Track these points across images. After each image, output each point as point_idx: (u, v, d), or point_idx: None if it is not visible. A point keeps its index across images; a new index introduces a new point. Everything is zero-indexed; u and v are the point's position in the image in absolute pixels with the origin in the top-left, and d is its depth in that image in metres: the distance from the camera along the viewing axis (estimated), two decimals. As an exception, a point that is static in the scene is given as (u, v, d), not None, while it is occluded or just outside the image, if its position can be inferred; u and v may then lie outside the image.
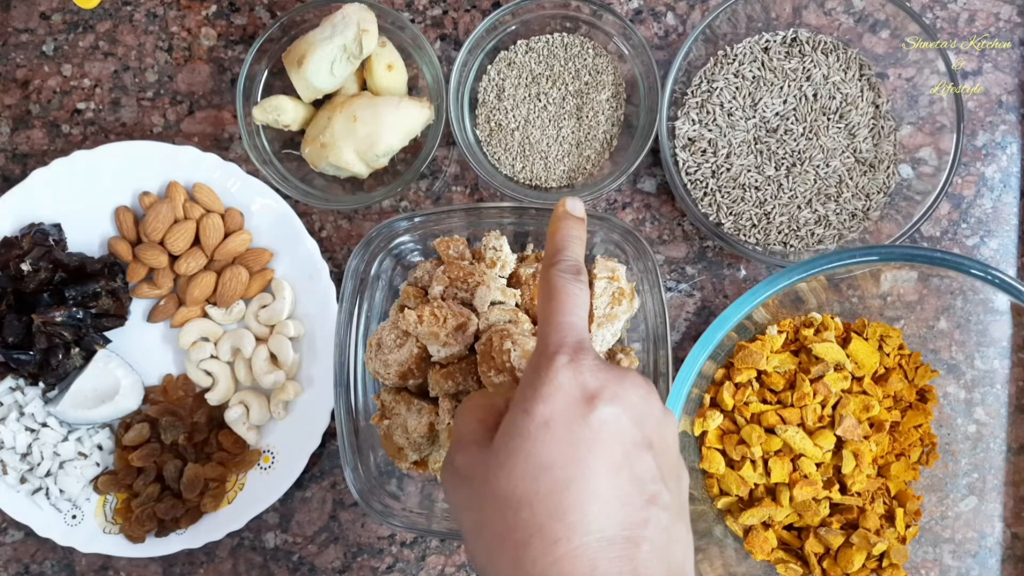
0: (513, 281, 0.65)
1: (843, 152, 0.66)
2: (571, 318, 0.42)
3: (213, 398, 0.67)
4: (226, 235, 0.67)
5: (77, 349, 0.66)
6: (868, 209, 0.66)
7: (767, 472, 0.62)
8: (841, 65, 0.66)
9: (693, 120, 0.66)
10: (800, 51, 0.66)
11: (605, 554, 0.35)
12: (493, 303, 0.63)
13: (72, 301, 0.65)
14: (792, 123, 0.66)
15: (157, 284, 0.68)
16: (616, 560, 0.35)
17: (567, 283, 0.43)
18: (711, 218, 0.67)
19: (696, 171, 0.66)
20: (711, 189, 0.66)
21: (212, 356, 0.67)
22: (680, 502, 0.40)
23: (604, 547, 0.35)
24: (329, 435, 0.68)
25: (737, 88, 0.66)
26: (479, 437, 0.40)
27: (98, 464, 0.67)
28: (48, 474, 0.67)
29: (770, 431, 0.62)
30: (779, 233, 0.66)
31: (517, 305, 0.64)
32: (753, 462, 0.62)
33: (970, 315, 0.64)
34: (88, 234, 0.68)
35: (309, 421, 0.67)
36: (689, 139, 0.66)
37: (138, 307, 0.68)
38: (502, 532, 0.37)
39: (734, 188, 0.66)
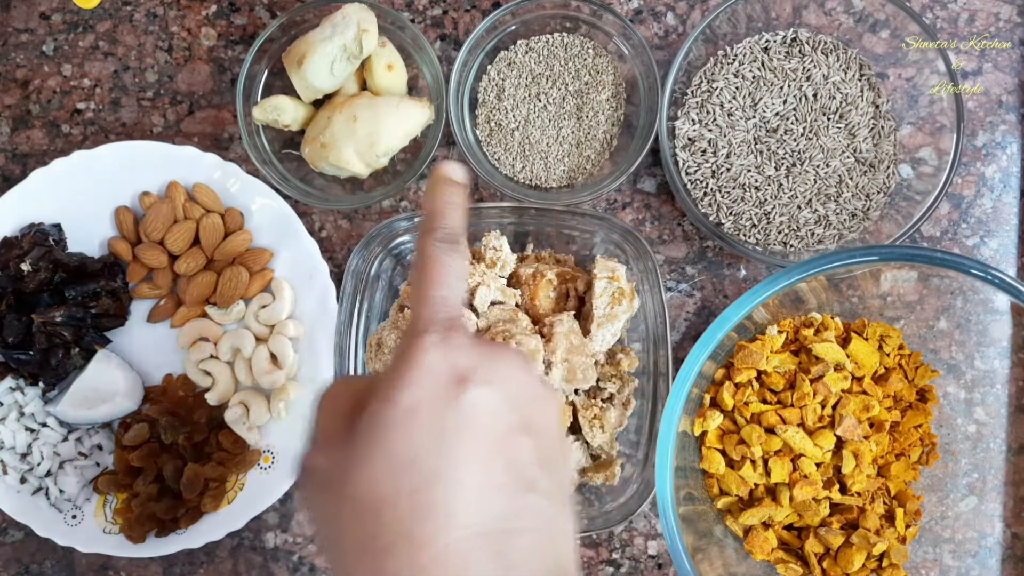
0: (513, 281, 0.65)
1: (843, 152, 0.66)
2: (443, 292, 0.38)
3: (213, 398, 0.67)
4: (226, 235, 0.67)
5: (77, 349, 0.66)
6: (868, 209, 0.66)
7: (767, 472, 0.62)
8: (841, 65, 0.66)
9: (693, 120, 0.66)
10: (800, 51, 0.66)
11: (478, 552, 0.32)
12: (493, 303, 0.63)
13: (72, 301, 0.65)
14: (792, 123, 0.66)
15: (157, 284, 0.68)
16: (491, 556, 0.32)
17: (442, 253, 0.38)
18: (711, 218, 0.67)
19: (696, 171, 0.66)
20: (711, 189, 0.66)
21: (212, 356, 0.67)
22: (562, 487, 0.37)
23: (477, 544, 0.32)
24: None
25: (737, 88, 0.66)
26: (338, 435, 0.35)
27: (98, 464, 0.67)
28: (48, 474, 0.67)
29: (770, 431, 0.62)
30: (779, 233, 0.66)
31: (517, 305, 0.64)
32: (753, 462, 0.62)
33: (970, 315, 0.64)
34: (88, 234, 0.68)
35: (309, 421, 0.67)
36: (689, 139, 0.66)
37: (138, 307, 0.68)
38: (362, 540, 0.32)
39: (734, 188, 0.66)
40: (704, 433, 0.64)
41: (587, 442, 0.64)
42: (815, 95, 0.66)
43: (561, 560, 0.34)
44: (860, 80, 0.66)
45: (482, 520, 0.32)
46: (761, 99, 0.66)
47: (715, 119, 0.66)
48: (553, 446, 0.37)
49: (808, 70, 0.66)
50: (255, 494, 0.67)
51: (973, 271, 0.55)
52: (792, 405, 0.62)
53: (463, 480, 0.32)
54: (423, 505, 0.32)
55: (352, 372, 0.64)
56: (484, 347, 0.36)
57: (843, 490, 0.62)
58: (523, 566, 0.32)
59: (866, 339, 0.63)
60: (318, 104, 0.67)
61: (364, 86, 0.68)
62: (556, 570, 0.33)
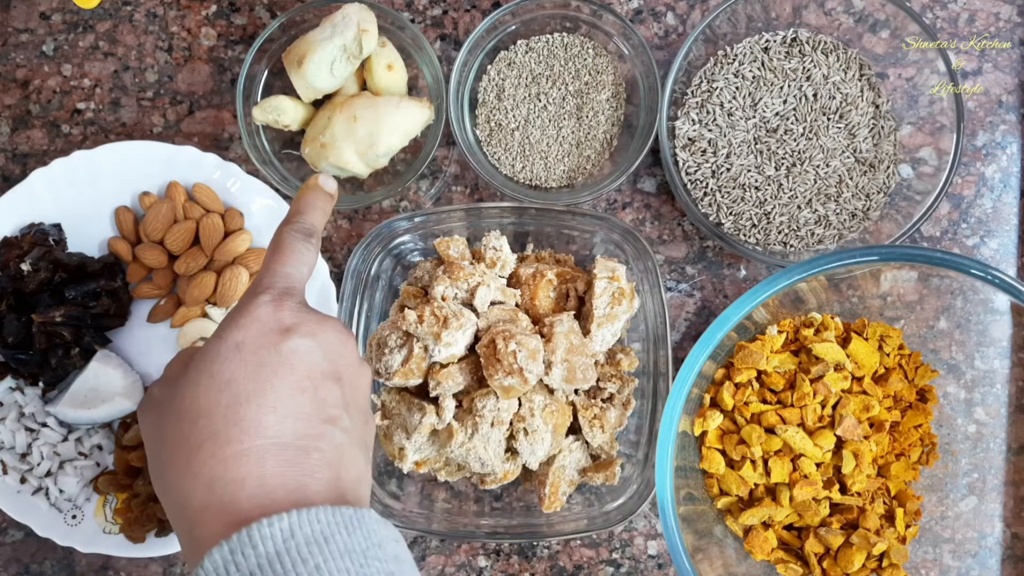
0: (513, 281, 0.65)
1: (843, 152, 0.66)
2: (288, 269, 0.44)
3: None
4: (226, 235, 0.67)
5: (77, 349, 0.66)
6: (868, 209, 0.66)
7: (767, 472, 0.62)
8: (841, 65, 0.66)
9: (693, 120, 0.66)
10: (800, 51, 0.66)
11: (275, 456, 0.38)
12: (493, 303, 0.63)
13: (72, 301, 0.65)
14: (792, 123, 0.66)
15: (157, 284, 0.68)
16: (285, 463, 0.38)
17: (295, 240, 0.45)
18: (711, 218, 0.67)
19: (696, 171, 0.66)
20: (711, 189, 0.66)
21: (212, 356, 0.67)
22: (363, 437, 0.43)
23: (275, 451, 0.38)
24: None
25: (737, 88, 0.66)
26: (179, 372, 0.42)
27: (98, 464, 0.67)
28: (48, 474, 0.67)
29: (770, 431, 0.62)
30: (779, 233, 0.66)
31: (517, 305, 0.64)
32: (753, 462, 0.62)
33: (970, 315, 0.64)
34: (88, 234, 0.68)
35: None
36: (689, 139, 0.66)
37: (138, 307, 0.68)
38: (178, 440, 0.38)
39: (734, 188, 0.66)
40: (704, 433, 0.64)
41: (587, 442, 0.64)
42: (815, 95, 0.66)
43: (343, 478, 0.39)
44: (860, 80, 0.66)
45: (282, 435, 0.38)
46: (761, 99, 0.66)
47: (715, 119, 0.66)
48: (360, 404, 0.44)
49: (808, 70, 0.66)
50: (255, 494, 0.66)
51: (973, 271, 0.55)
52: (792, 405, 0.62)
53: (272, 404, 0.39)
54: (234, 417, 0.38)
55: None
56: (313, 313, 0.42)
57: (843, 490, 0.62)
58: (309, 474, 0.38)
59: (866, 339, 0.63)
60: (318, 104, 0.67)
61: (364, 86, 0.68)
62: (337, 483, 0.39)
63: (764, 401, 0.63)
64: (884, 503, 0.63)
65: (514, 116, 0.68)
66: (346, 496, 0.39)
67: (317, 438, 0.39)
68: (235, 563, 0.34)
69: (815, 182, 0.66)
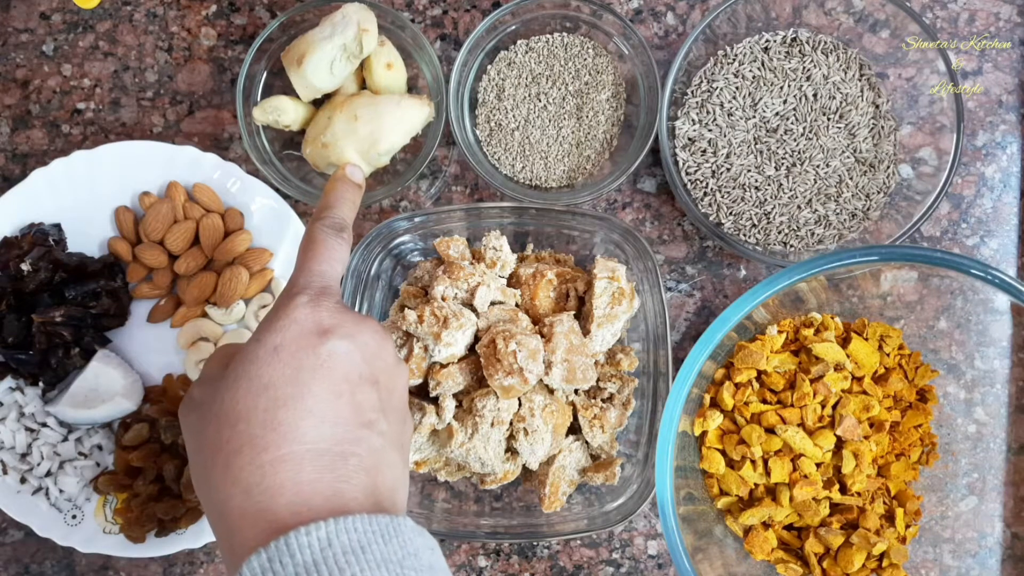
0: (513, 281, 0.65)
1: (843, 152, 0.66)
2: (323, 266, 0.44)
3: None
4: (226, 235, 0.67)
5: (77, 349, 0.66)
6: (868, 209, 0.66)
7: (767, 472, 0.62)
8: (841, 65, 0.66)
9: (693, 120, 0.66)
10: (800, 51, 0.66)
11: (312, 462, 0.38)
12: (493, 303, 0.63)
13: (72, 301, 0.65)
14: (792, 123, 0.66)
15: (157, 284, 0.68)
16: (322, 468, 0.38)
17: (328, 236, 0.45)
18: (711, 218, 0.67)
19: (696, 171, 0.66)
20: (711, 189, 0.66)
21: (212, 356, 0.68)
22: (400, 440, 0.43)
23: (312, 456, 0.38)
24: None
25: (737, 88, 0.66)
26: (217, 373, 0.42)
27: (98, 464, 0.67)
28: (48, 474, 0.67)
29: (770, 431, 0.62)
30: (779, 233, 0.66)
31: (517, 305, 0.64)
32: (753, 462, 0.62)
33: (970, 315, 0.64)
34: (88, 234, 0.68)
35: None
36: (689, 139, 0.66)
37: (138, 307, 0.68)
38: (217, 444, 0.39)
39: (734, 188, 0.66)
40: (704, 433, 0.64)
41: (587, 442, 0.64)
42: (815, 95, 0.66)
43: (379, 484, 0.39)
44: (860, 80, 0.66)
45: (319, 440, 0.38)
46: (761, 99, 0.66)
47: (715, 119, 0.66)
48: (398, 406, 0.43)
49: (808, 70, 0.66)
50: (255, 494, 0.67)
51: (973, 271, 0.55)
52: (792, 405, 0.62)
53: (310, 407, 0.39)
54: (272, 421, 0.38)
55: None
56: (350, 314, 0.42)
57: (843, 490, 0.62)
58: (346, 480, 0.38)
59: (866, 339, 0.63)
60: (317, 104, 0.67)
61: (363, 85, 0.68)
62: (373, 490, 0.39)
63: (764, 401, 0.63)
64: (884, 503, 0.63)
65: (514, 116, 0.68)
66: (382, 502, 0.39)
67: (354, 443, 0.39)
68: (273, 571, 0.34)
69: (815, 182, 0.66)
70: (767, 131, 0.66)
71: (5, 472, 0.66)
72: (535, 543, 0.68)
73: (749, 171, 0.66)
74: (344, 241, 0.46)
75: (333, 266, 0.45)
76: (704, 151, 0.66)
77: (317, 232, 0.45)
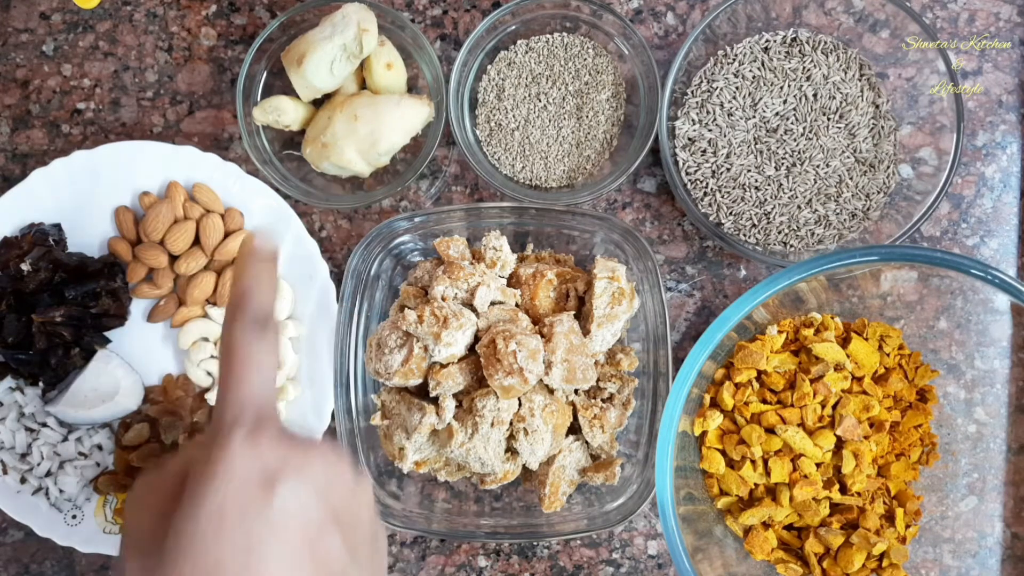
0: (513, 281, 0.65)
1: (843, 152, 0.66)
2: (252, 388, 0.37)
3: (213, 398, 0.67)
4: (226, 235, 0.67)
5: (77, 349, 0.66)
6: (868, 209, 0.66)
7: (767, 472, 0.62)
8: (841, 65, 0.66)
9: (693, 120, 0.66)
10: (800, 51, 0.66)
11: None
12: (493, 303, 0.63)
13: (72, 301, 0.65)
14: (792, 123, 0.66)
15: (157, 284, 0.68)
16: None
17: (249, 342, 0.38)
18: (711, 218, 0.67)
19: (696, 171, 0.66)
20: (711, 189, 0.66)
21: (212, 356, 0.67)
22: (374, 570, 0.38)
23: None
24: (329, 435, 0.68)
25: (737, 88, 0.66)
26: (148, 535, 0.35)
27: (98, 464, 0.67)
28: (48, 474, 0.67)
29: (770, 431, 0.62)
30: (779, 233, 0.66)
31: (517, 305, 0.64)
32: (753, 462, 0.62)
33: (970, 315, 0.64)
34: (88, 234, 0.68)
35: (309, 421, 0.67)
36: (689, 139, 0.66)
37: (138, 307, 0.68)
38: None
39: (734, 188, 0.66)
40: (704, 433, 0.64)
41: (587, 442, 0.64)
42: (815, 95, 0.66)
43: None
44: (860, 80, 0.66)
45: None
46: (761, 99, 0.66)
47: (715, 119, 0.66)
48: (363, 536, 0.38)
49: (808, 70, 0.66)
50: (255, 494, 0.66)
51: (973, 271, 0.55)
52: (792, 405, 0.62)
53: None
54: None
55: (352, 372, 0.64)
56: (294, 441, 0.36)
57: (843, 490, 0.62)
58: None
59: (866, 339, 0.63)
60: (317, 104, 0.67)
61: (363, 85, 0.68)
62: None
63: (764, 401, 0.63)
64: (884, 503, 0.63)
65: (514, 116, 0.68)
66: None
67: None
68: None
69: (815, 182, 0.66)
70: (767, 131, 0.66)
71: (5, 472, 0.66)
72: (535, 543, 0.68)
73: (749, 171, 0.66)
74: (269, 341, 0.38)
75: (263, 380, 0.38)
76: (704, 151, 0.66)
77: (236, 338, 0.38)
